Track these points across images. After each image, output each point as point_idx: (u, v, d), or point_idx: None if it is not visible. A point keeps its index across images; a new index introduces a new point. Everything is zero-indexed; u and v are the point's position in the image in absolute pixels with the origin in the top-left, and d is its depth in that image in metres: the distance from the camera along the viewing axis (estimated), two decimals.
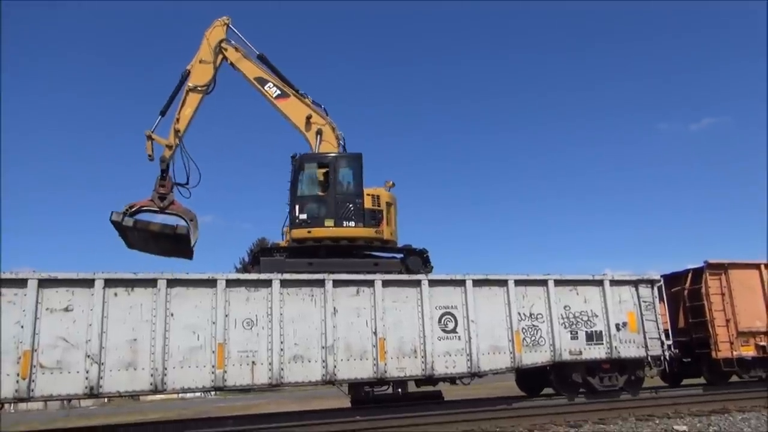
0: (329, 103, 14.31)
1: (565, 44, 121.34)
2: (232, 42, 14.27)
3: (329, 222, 12.97)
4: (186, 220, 13.16)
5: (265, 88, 14.11)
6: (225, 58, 14.14)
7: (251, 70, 14.20)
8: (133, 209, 12.91)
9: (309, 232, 12.97)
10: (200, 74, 13.89)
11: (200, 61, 13.97)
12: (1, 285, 9.82)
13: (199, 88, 13.80)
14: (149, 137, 13.35)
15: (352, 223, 13.00)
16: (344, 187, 13.36)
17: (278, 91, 14.10)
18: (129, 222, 12.66)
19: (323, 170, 13.52)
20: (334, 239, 12.96)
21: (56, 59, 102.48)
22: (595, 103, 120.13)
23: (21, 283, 9.90)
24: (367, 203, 13.19)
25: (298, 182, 13.44)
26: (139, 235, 13.29)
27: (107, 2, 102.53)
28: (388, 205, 13.64)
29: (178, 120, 13.58)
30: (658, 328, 13.83)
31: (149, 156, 13.33)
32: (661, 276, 14.62)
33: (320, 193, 13.38)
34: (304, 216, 13.08)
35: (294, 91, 14.17)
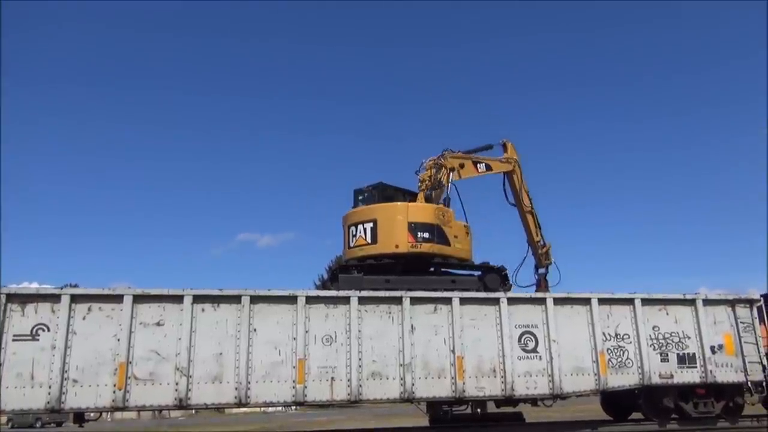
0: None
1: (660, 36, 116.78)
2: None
3: None
4: None
5: None
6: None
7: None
8: None
9: None
10: None
11: None
12: (93, 300, 10.47)
13: None
14: None
15: None
16: None
17: None
18: None
19: None
20: None
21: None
22: (694, 98, 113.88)
23: (117, 298, 10.53)
24: None
25: None
26: None
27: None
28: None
29: None
30: (759, 352, 12.97)
31: None
32: (762, 295, 13.74)
33: None
34: None
35: None
